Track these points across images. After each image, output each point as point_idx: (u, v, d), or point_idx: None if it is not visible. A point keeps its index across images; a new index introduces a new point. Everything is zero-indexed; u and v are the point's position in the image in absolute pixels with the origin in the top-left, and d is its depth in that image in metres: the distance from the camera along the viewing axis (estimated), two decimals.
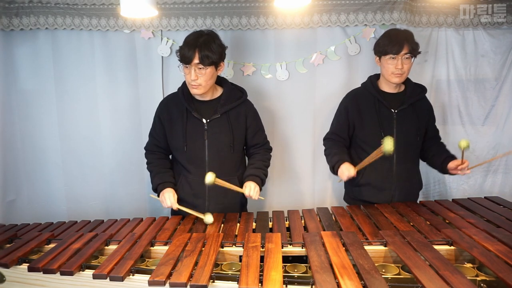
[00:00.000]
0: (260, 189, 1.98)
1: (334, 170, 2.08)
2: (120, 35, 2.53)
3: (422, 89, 2.16)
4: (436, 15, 2.53)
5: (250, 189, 1.93)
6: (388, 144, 1.73)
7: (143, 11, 1.99)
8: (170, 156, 2.16)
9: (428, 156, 2.19)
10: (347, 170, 1.99)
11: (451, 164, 2.00)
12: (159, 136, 2.07)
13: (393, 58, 2.00)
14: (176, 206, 1.95)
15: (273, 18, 2.48)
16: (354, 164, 2.07)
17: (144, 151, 2.14)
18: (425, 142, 2.18)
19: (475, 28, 2.57)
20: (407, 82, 2.13)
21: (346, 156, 2.10)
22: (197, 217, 1.95)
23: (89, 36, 2.53)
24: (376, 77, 2.19)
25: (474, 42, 2.59)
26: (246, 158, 2.19)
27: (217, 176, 1.82)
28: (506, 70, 2.61)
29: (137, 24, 2.49)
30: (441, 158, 2.08)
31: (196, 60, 1.85)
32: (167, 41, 2.52)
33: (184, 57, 1.87)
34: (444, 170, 2.08)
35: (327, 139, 2.24)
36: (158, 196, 2.01)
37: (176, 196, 1.98)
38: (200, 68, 1.87)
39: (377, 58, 2.09)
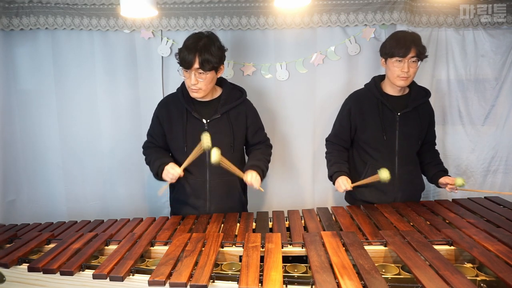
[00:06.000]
0: (261, 180, 1.97)
1: (332, 179, 2.10)
2: (120, 35, 2.53)
3: (426, 92, 2.15)
4: (436, 15, 2.53)
5: (251, 176, 1.91)
6: (384, 174, 1.84)
7: (143, 11, 1.99)
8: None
9: (422, 162, 2.21)
10: (343, 184, 2.01)
11: (442, 180, 2.07)
12: (158, 136, 2.07)
13: (399, 61, 1.98)
14: (180, 170, 1.90)
15: (273, 18, 2.48)
16: (355, 169, 2.13)
17: (142, 150, 2.14)
18: (421, 146, 2.19)
19: (475, 28, 2.56)
20: (412, 85, 2.12)
21: (344, 166, 2.11)
22: (197, 217, 1.96)
23: (89, 36, 2.53)
24: (380, 78, 2.17)
25: (474, 42, 2.59)
26: (246, 157, 2.19)
27: (219, 173, 1.82)
28: (506, 70, 2.60)
29: (137, 24, 2.49)
30: (434, 170, 2.14)
31: (196, 65, 1.83)
32: (167, 41, 2.52)
33: (184, 62, 1.84)
34: (433, 182, 2.15)
35: (328, 141, 2.24)
36: (160, 178, 1.95)
37: (177, 165, 1.92)
38: (201, 73, 1.85)
39: (383, 60, 2.07)
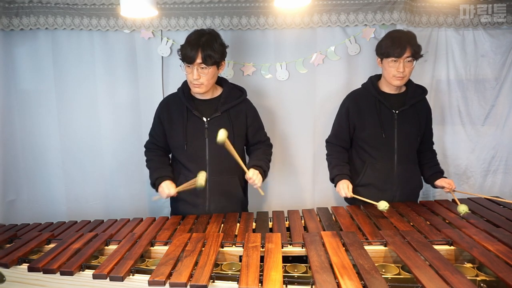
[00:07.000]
0: (262, 180, 1.97)
1: (334, 182, 2.13)
2: (120, 35, 2.53)
3: (423, 90, 2.16)
4: (436, 15, 2.53)
5: (254, 173, 1.92)
6: (383, 205, 1.84)
7: (143, 11, 1.99)
8: (170, 155, 2.16)
9: (419, 162, 2.22)
10: (344, 190, 2.03)
11: (438, 183, 2.11)
12: (159, 136, 2.08)
13: (395, 61, 1.99)
14: (174, 191, 1.95)
15: (273, 18, 2.48)
16: (354, 168, 2.16)
17: (144, 149, 2.15)
18: (419, 144, 2.19)
19: (475, 28, 2.56)
20: (408, 83, 2.13)
21: (346, 169, 2.13)
22: (197, 217, 1.96)
23: (89, 36, 2.53)
24: (377, 77, 2.18)
25: (474, 42, 2.59)
26: (247, 157, 2.18)
27: (219, 171, 1.82)
28: (506, 70, 2.61)
29: (137, 24, 2.49)
30: (430, 171, 2.18)
31: (198, 60, 1.86)
32: (167, 41, 2.52)
33: (187, 57, 1.87)
34: (429, 182, 2.19)
35: (328, 143, 2.26)
36: (157, 191, 2.00)
37: (174, 185, 1.97)
38: (203, 68, 1.88)
39: (379, 59, 2.08)
